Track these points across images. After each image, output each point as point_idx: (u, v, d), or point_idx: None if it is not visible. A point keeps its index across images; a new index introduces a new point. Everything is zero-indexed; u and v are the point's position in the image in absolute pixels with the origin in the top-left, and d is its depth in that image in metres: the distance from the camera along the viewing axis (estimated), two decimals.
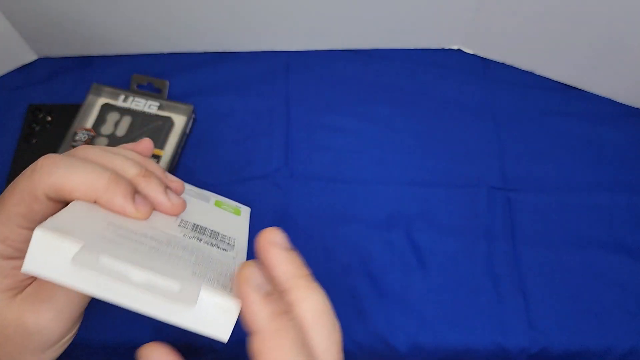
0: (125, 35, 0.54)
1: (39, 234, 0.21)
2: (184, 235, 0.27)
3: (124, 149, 0.30)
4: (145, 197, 0.27)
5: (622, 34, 0.48)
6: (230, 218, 0.33)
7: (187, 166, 0.51)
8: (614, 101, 0.55)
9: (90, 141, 0.49)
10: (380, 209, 0.49)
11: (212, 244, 0.27)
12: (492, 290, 0.45)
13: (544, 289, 0.46)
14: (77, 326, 0.28)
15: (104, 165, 0.26)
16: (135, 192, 0.26)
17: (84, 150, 0.27)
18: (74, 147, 0.49)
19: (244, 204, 0.49)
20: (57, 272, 0.20)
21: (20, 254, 0.26)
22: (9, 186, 0.26)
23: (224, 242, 0.29)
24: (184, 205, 0.28)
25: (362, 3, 0.51)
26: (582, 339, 0.44)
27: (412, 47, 0.58)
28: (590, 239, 0.48)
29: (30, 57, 0.57)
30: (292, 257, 0.25)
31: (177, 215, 0.28)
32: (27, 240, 0.25)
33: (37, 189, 0.24)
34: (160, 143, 0.50)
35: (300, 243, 0.47)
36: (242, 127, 0.53)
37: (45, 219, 0.25)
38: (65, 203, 0.25)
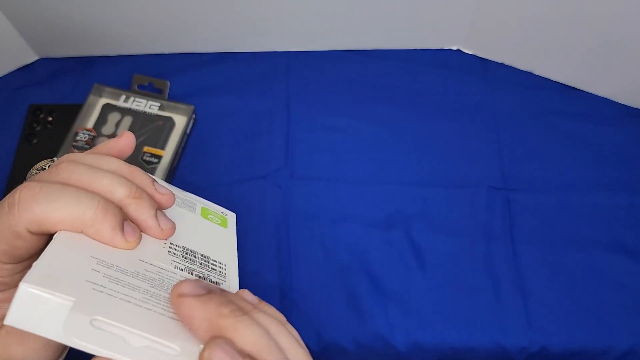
0: (126, 35, 0.55)
1: (24, 290, 0.19)
2: (175, 267, 0.26)
3: (107, 151, 0.28)
4: (134, 225, 0.25)
5: (621, 34, 0.48)
6: (218, 233, 0.32)
7: (188, 166, 0.51)
8: (613, 101, 0.55)
9: (91, 141, 0.50)
10: (380, 209, 0.49)
11: (204, 277, 0.27)
12: (491, 289, 0.45)
13: (543, 289, 0.46)
14: (67, 350, 0.27)
15: (90, 188, 0.24)
16: (124, 219, 0.25)
17: (65, 170, 0.25)
18: (74, 147, 0.49)
19: (244, 204, 0.49)
20: (48, 331, 0.19)
21: (4, 287, 0.25)
22: None
23: (216, 270, 0.28)
24: (173, 229, 0.27)
25: (362, 4, 0.51)
26: (581, 339, 0.44)
27: (412, 47, 0.58)
28: (590, 239, 0.48)
29: (31, 57, 0.57)
30: (206, 301, 0.21)
31: (166, 238, 0.27)
32: (11, 275, 0.24)
33: (17, 225, 0.22)
34: (161, 143, 0.50)
35: (300, 243, 0.47)
36: (242, 127, 0.53)
37: (29, 253, 0.24)
38: (49, 234, 0.23)
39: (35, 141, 0.51)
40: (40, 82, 0.56)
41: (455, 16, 0.53)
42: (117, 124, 0.51)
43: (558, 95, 0.55)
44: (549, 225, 0.48)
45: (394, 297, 0.45)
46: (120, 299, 0.21)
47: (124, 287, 0.22)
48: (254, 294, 0.47)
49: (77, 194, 0.23)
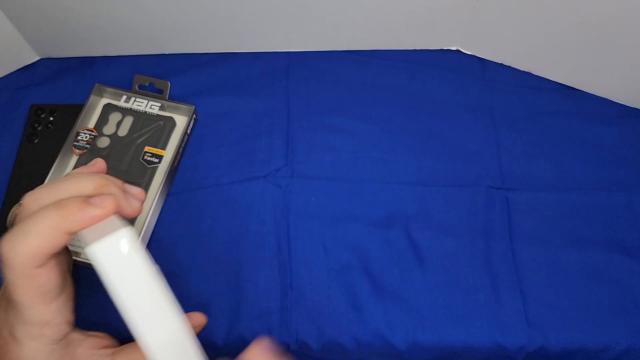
0: (127, 36, 0.55)
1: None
2: None
3: (77, 172, 0.30)
4: (102, 196, 0.26)
5: (619, 34, 0.48)
6: None
7: (188, 166, 0.51)
8: (611, 101, 0.55)
9: (92, 141, 0.50)
10: (379, 208, 0.49)
11: None
12: (490, 288, 0.46)
13: (542, 288, 0.46)
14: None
15: (54, 200, 0.25)
16: (89, 199, 0.25)
17: (29, 203, 0.26)
18: (75, 147, 0.49)
19: (244, 204, 0.49)
20: None
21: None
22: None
23: None
24: (140, 209, 0.28)
25: (362, 4, 0.51)
26: (580, 337, 0.44)
27: (411, 47, 0.58)
28: (588, 238, 0.48)
29: (33, 57, 0.57)
30: None
31: (136, 215, 0.29)
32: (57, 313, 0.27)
33: (19, 270, 0.24)
34: (161, 143, 0.51)
35: (300, 242, 0.48)
36: (242, 128, 0.53)
37: (56, 284, 0.26)
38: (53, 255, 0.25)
39: (36, 141, 0.52)
40: (42, 82, 0.56)
41: (455, 17, 0.53)
42: (118, 124, 0.51)
43: (556, 95, 0.56)
44: (547, 225, 0.49)
45: (394, 296, 0.45)
46: None
47: None
48: (254, 294, 0.47)
49: (43, 219, 0.24)
